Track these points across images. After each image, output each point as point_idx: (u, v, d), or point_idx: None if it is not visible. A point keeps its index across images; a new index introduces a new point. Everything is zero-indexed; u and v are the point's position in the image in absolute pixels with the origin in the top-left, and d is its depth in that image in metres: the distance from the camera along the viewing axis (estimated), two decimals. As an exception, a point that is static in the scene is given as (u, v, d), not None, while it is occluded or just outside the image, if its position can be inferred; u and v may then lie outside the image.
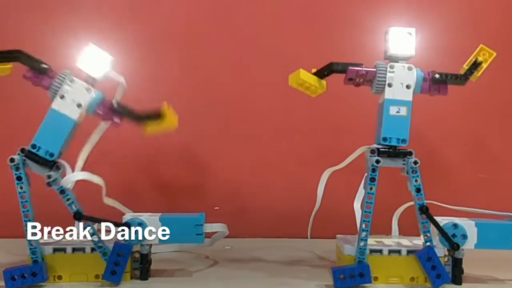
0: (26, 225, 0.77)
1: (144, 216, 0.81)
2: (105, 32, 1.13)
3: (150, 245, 0.82)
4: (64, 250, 0.79)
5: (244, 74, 1.17)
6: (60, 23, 1.14)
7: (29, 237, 0.77)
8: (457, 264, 0.80)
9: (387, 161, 0.79)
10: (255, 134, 1.17)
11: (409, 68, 0.80)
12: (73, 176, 0.79)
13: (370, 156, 0.79)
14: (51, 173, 0.77)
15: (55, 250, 0.79)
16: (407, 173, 0.79)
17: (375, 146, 0.80)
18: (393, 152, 0.79)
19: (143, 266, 0.81)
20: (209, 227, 0.83)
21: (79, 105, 0.78)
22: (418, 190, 0.79)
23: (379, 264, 0.79)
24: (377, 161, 0.78)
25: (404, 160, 0.79)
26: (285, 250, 1.03)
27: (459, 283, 0.79)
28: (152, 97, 1.12)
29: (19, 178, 0.77)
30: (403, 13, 1.11)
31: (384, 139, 0.79)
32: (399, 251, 0.80)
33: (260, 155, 1.17)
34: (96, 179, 0.82)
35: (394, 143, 0.79)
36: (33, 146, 0.77)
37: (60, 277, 0.79)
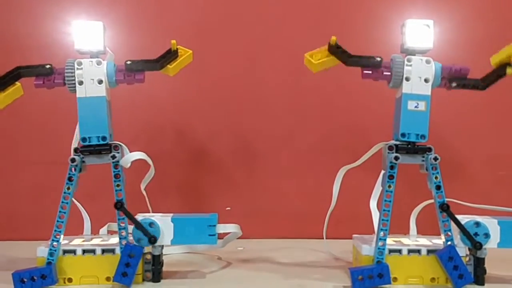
0: (57, 226, 0.76)
1: (156, 217, 0.79)
2: (115, 29, 1.11)
3: (162, 246, 0.80)
4: (74, 252, 0.77)
5: (256, 72, 1.15)
6: (64, 20, 1.13)
7: (55, 238, 0.76)
8: (479, 264, 0.77)
9: (406, 158, 0.77)
10: (267, 133, 1.15)
11: (427, 61, 0.77)
12: (131, 156, 0.79)
13: (388, 152, 0.77)
14: (114, 153, 0.77)
15: (65, 252, 0.77)
16: (427, 170, 0.77)
17: (393, 142, 0.78)
18: (412, 148, 0.77)
19: (155, 268, 0.79)
20: (222, 228, 0.81)
21: (100, 82, 0.77)
22: (438, 187, 0.77)
23: (398, 264, 0.77)
24: (396, 158, 0.76)
25: (423, 157, 0.77)
26: (300, 251, 1.01)
27: (482, 284, 0.77)
28: (163, 96, 1.13)
29: (70, 179, 0.77)
30: (421, 4, 1.08)
31: (403, 135, 0.77)
32: (419, 251, 0.78)
33: (273, 154, 1.15)
34: (150, 161, 0.83)
35: (413, 139, 0.77)
36: (84, 140, 0.77)
37: (70, 280, 0.77)
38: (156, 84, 1.10)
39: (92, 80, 0.77)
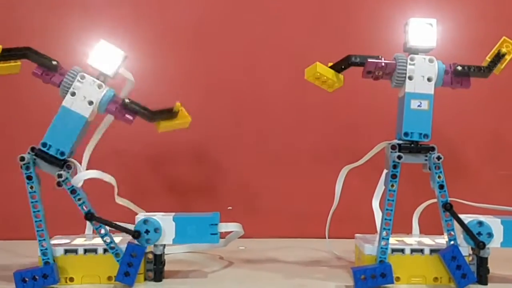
0: (36, 226, 0.75)
1: (157, 216, 0.79)
2: (115, 29, 1.11)
3: (164, 246, 0.80)
4: (75, 251, 0.77)
5: (256, 71, 1.15)
6: (70, 19, 1.13)
7: (40, 238, 0.75)
8: (482, 263, 0.77)
9: (409, 157, 0.77)
10: (268, 133, 1.15)
11: (430, 60, 0.77)
12: (84, 174, 0.77)
13: (391, 152, 0.76)
14: (62, 172, 0.75)
15: (66, 251, 0.77)
16: (430, 169, 0.77)
17: (395, 141, 0.77)
18: (415, 148, 0.76)
19: (157, 267, 0.78)
20: (224, 227, 0.81)
21: (90, 103, 0.76)
22: (441, 186, 0.76)
23: (401, 263, 0.77)
24: (399, 157, 0.75)
25: (426, 156, 0.77)
26: (302, 250, 1.01)
27: (485, 283, 0.77)
28: (163, 95, 1.12)
29: (29, 178, 0.75)
30: (424, 3, 1.08)
31: (406, 134, 0.76)
32: (421, 250, 0.78)
33: (274, 154, 1.15)
34: (107, 177, 0.80)
35: (416, 138, 0.76)
36: (44, 145, 0.75)
37: (72, 279, 0.77)
38: (156, 83, 1.11)
39: (84, 98, 0.76)
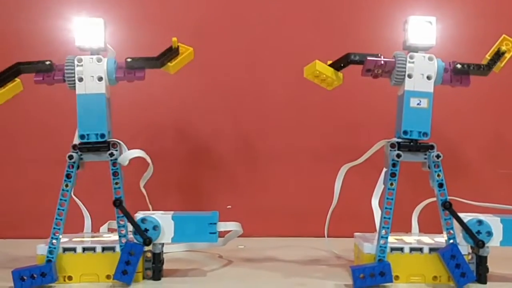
0: (55, 223, 0.75)
1: (156, 215, 0.78)
2: (116, 26, 1.11)
3: (163, 244, 0.80)
4: (74, 249, 0.77)
5: (257, 70, 1.15)
6: (65, 18, 1.13)
7: (54, 235, 0.75)
8: (482, 262, 0.76)
9: (408, 155, 0.76)
10: (268, 131, 1.15)
11: (430, 58, 0.77)
12: (130, 153, 0.78)
13: (390, 150, 0.76)
14: (112, 151, 0.76)
15: (65, 249, 0.76)
16: (429, 167, 0.77)
17: (395, 140, 0.77)
18: (414, 146, 0.76)
19: (156, 265, 0.78)
20: (222, 226, 0.81)
21: (100, 79, 0.77)
22: (440, 185, 0.76)
23: (400, 262, 0.76)
24: (398, 156, 0.75)
25: (425, 154, 0.77)
26: (301, 249, 1.01)
27: (484, 282, 0.76)
28: (165, 94, 1.12)
29: (68, 176, 0.76)
30: (423, 1, 1.07)
31: (405, 132, 0.76)
32: (421, 249, 0.77)
33: (273, 152, 1.15)
34: (148, 159, 0.82)
35: (415, 136, 0.76)
36: (82, 137, 0.76)
37: (70, 278, 0.76)
38: (157, 82, 1.10)
39: (92, 77, 0.76)
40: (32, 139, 1.10)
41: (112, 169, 0.77)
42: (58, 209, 0.76)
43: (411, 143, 0.76)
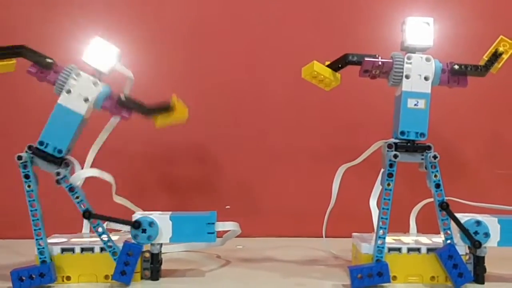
0: (34, 225, 0.75)
1: (154, 215, 0.79)
2: (113, 26, 1.11)
3: (161, 244, 0.80)
4: (72, 250, 0.77)
5: (255, 69, 1.15)
6: (66, 16, 1.13)
7: (37, 236, 0.75)
8: (479, 262, 0.77)
9: (405, 156, 0.76)
10: (267, 131, 1.15)
11: (427, 59, 0.77)
12: (82, 173, 0.77)
13: (388, 151, 0.76)
14: (60, 170, 0.75)
15: (63, 250, 0.77)
16: (426, 168, 0.77)
17: (392, 140, 0.77)
18: (411, 147, 0.76)
19: (154, 266, 0.78)
20: (221, 226, 0.81)
21: (86, 100, 0.76)
22: (437, 185, 0.76)
23: (398, 262, 0.77)
24: (395, 156, 0.75)
25: (422, 155, 0.77)
26: (299, 249, 1.01)
27: (482, 283, 0.76)
28: (162, 94, 1.12)
29: (26, 176, 0.75)
30: (421, 2, 1.08)
31: (402, 133, 0.76)
32: (418, 249, 0.77)
33: (272, 153, 1.15)
34: (106, 176, 0.80)
35: (412, 137, 0.76)
36: (41, 143, 0.75)
37: (68, 278, 0.77)
38: (155, 82, 1.11)
39: (79, 95, 0.76)
40: (31, 138, 1.10)
41: (66, 186, 0.75)
42: (31, 210, 0.75)
43: (408, 144, 0.76)
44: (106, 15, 1.13)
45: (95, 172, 0.79)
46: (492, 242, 0.76)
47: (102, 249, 0.77)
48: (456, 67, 0.78)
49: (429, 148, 0.77)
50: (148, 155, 1.14)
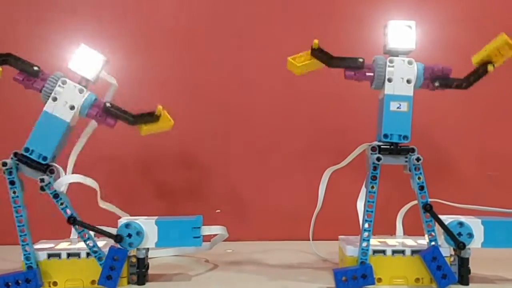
0: (19, 230, 0.76)
1: (139, 220, 0.79)
2: (101, 32, 1.12)
3: (147, 249, 0.80)
4: (59, 255, 0.77)
5: (244, 75, 1.16)
6: (52, 24, 1.13)
7: (23, 242, 0.75)
8: (463, 263, 0.77)
9: (389, 159, 0.77)
10: (255, 136, 1.15)
11: (409, 62, 0.77)
12: (66, 178, 0.77)
13: (371, 153, 0.77)
14: (44, 177, 0.75)
15: (49, 255, 0.77)
16: (410, 170, 0.77)
17: (376, 143, 0.78)
18: (394, 149, 0.77)
19: (140, 270, 0.79)
20: (207, 230, 0.81)
21: (72, 107, 0.77)
22: (421, 188, 0.77)
23: (383, 265, 0.77)
24: (378, 159, 0.76)
25: (406, 157, 0.77)
26: (287, 252, 1.01)
27: (466, 284, 0.77)
28: (150, 99, 1.12)
29: (12, 183, 0.76)
30: (403, 5, 1.08)
31: (385, 135, 0.77)
32: (403, 251, 0.78)
33: (260, 157, 1.15)
34: (89, 181, 0.80)
35: (395, 139, 0.77)
36: (26, 150, 0.76)
37: (55, 283, 0.77)
38: (145, 86, 1.11)
39: (65, 103, 0.77)
40: (16, 144, 1.10)
41: (51, 193, 0.76)
42: (16, 217, 0.75)
43: (392, 146, 0.77)
44: (93, 22, 1.14)
45: (78, 178, 0.79)
46: (476, 243, 0.77)
47: (88, 255, 0.77)
48: (437, 84, 0.78)
49: (412, 150, 0.77)
50: (137, 161, 1.14)
